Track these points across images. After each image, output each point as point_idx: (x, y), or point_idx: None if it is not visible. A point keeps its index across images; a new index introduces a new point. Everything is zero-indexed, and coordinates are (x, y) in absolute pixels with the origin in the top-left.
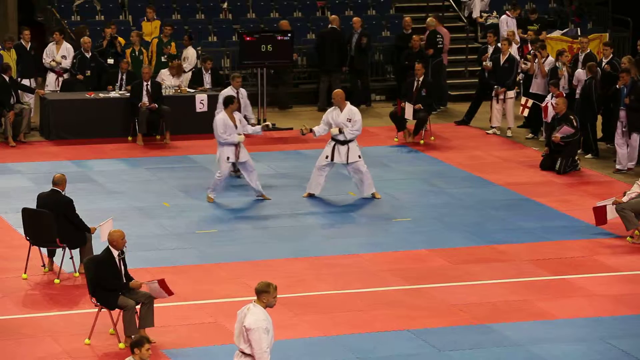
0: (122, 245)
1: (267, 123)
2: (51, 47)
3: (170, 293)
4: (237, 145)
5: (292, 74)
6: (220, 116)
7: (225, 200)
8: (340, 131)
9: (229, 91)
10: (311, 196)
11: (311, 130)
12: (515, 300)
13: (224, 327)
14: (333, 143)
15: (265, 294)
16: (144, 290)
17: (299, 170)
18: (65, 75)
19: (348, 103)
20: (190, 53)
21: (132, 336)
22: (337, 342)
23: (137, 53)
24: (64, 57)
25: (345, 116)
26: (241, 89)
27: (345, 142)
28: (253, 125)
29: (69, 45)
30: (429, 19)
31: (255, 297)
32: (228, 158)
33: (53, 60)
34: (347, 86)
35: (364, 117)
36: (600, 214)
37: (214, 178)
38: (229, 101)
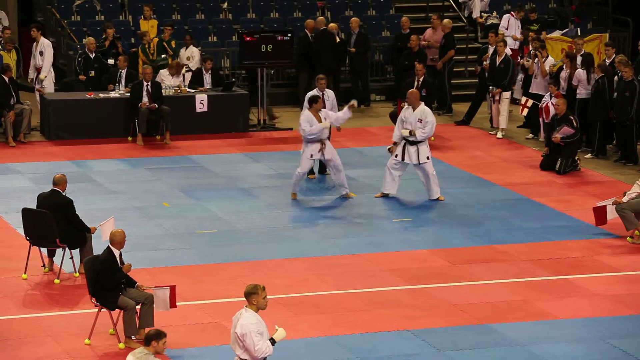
0: (120, 247)
1: (352, 102)
2: (34, 45)
3: (173, 305)
4: (322, 142)
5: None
6: (305, 113)
7: (226, 200)
8: (411, 133)
9: (314, 93)
10: (385, 196)
11: (395, 144)
12: (515, 300)
13: (224, 327)
14: (403, 142)
15: (254, 295)
16: (145, 291)
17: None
18: (43, 71)
19: (422, 103)
20: (196, 52)
21: (147, 330)
22: (337, 342)
23: (148, 45)
24: (40, 52)
25: (417, 116)
26: (327, 90)
27: (414, 143)
28: (337, 128)
29: (46, 42)
30: (445, 21)
31: (246, 302)
32: (312, 155)
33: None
34: (347, 86)
35: (364, 117)
36: (600, 214)
37: (294, 174)
38: (313, 100)
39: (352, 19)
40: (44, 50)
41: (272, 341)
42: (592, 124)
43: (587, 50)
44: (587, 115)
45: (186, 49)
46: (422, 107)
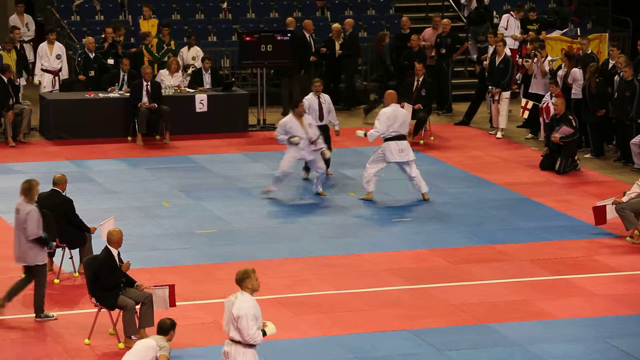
0: (117, 246)
1: (325, 151)
2: (43, 46)
3: (173, 304)
4: (313, 141)
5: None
6: (286, 118)
7: (226, 200)
8: (366, 134)
9: (310, 97)
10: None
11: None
12: (515, 300)
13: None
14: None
15: (247, 280)
16: (144, 291)
17: (299, 170)
18: (63, 74)
19: (392, 105)
20: (200, 52)
21: (165, 320)
22: (337, 342)
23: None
24: (58, 56)
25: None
26: (324, 94)
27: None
28: (336, 132)
29: (62, 45)
30: (445, 20)
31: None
32: (293, 157)
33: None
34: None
35: (361, 117)
36: (600, 213)
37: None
38: (294, 105)
39: (346, 20)
40: (62, 54)
41: (263, 333)
42: (585, 124)
43: (589, 51)
44: (581, 116)
45: (189, 48)
46: (383, 109)
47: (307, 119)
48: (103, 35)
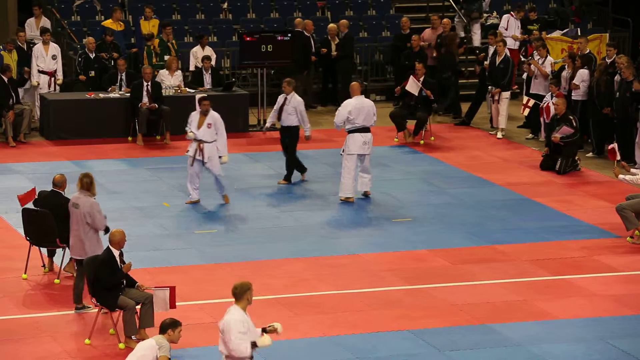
0: (119, 247)
1: (223, 155)
2: (39, 47)
3: (173, 306)
4: (199, 143)
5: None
6: (192, 113)
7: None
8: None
9: (280, 99)
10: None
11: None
12: (515, 300)
13: None
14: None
15: (248, 292)
16: (145, 291)
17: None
18: (58, 75)
19: (356, 97)
20: (212, 52)
21: (166, 319)
22: (337, 342)
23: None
24: (54, 56)
25: None
26: (296, 96)
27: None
28: (307, 137)
29: (57, 46)
30: (445, 20)
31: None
32: (187, 151)
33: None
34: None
35: None
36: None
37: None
38: (199, 101)
39: (341, 21)
40: (57, 54)
41: (255, 344)
42: (586, 123)
43: (587, 51)
44: (586, 115)
45: (203, 48)
46: (347, 100)
47: (210, 119)
48: (103, 36)
